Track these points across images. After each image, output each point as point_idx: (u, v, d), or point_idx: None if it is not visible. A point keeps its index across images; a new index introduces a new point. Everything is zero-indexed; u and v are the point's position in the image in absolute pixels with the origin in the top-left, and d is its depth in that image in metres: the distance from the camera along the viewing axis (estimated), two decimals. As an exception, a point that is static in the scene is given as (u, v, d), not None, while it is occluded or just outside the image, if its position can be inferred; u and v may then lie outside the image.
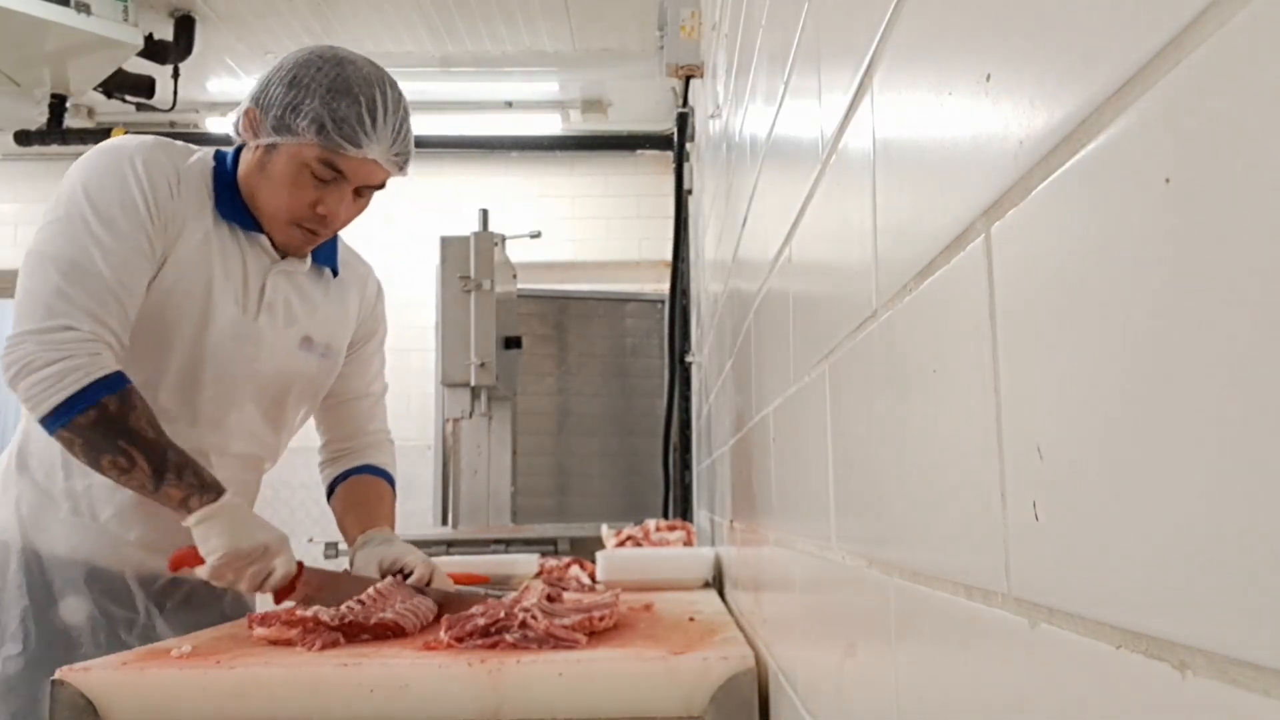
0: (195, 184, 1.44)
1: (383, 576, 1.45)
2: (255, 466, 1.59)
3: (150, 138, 1.44)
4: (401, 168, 1.46)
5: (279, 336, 1.51)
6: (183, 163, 1.44)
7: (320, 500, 1.76)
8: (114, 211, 1.34)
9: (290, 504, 5.16)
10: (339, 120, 1.36)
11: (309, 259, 1.55)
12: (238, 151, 1.49)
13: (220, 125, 5.08)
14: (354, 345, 1.68)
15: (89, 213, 1.34)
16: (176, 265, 1.40)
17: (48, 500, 1.43)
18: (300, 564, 1.40)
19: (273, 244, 1.49)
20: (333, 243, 1.60)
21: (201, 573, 1.34)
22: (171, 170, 1.41)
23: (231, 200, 1.46)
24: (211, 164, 1.47)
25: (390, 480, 1.72)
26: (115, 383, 1.30)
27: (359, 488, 1.68)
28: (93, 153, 1.40)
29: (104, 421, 1.29)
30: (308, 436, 1.75)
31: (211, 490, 1.34)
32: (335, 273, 1.61)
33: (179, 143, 1.48)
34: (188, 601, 1.51)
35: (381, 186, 1.48)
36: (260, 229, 1.47)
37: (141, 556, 1.45)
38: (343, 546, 1.65)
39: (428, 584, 1.45)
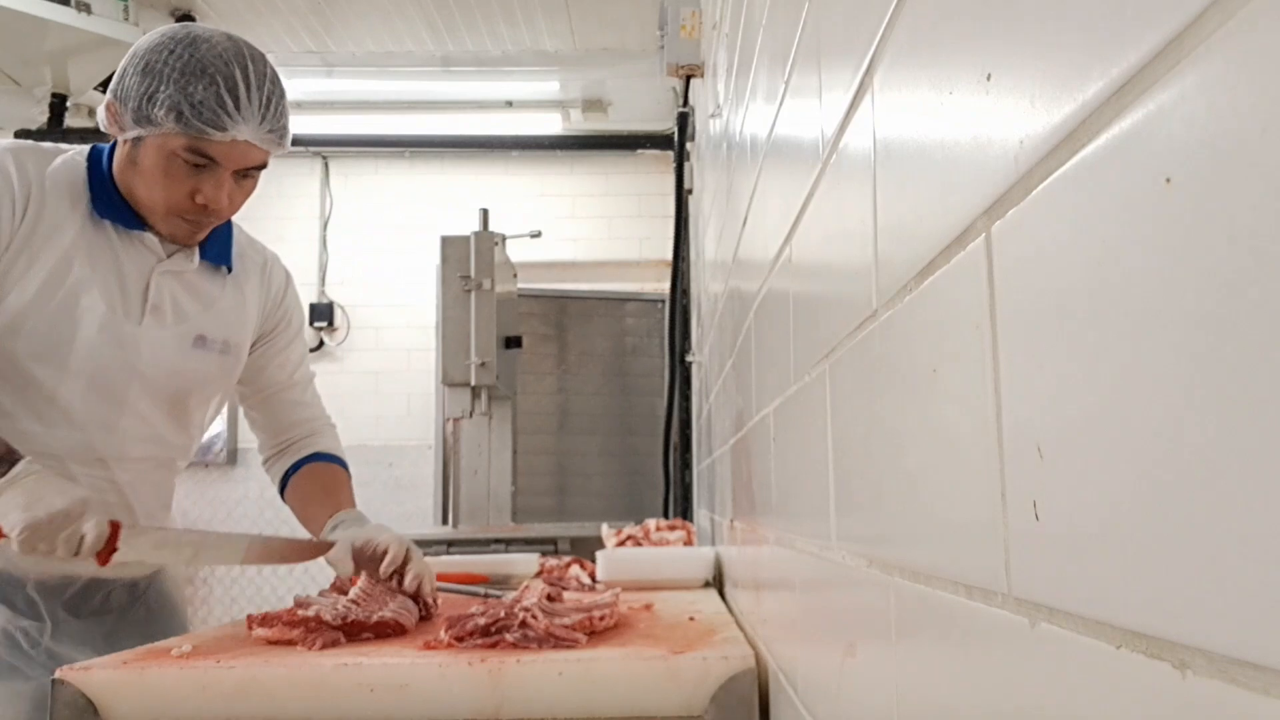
0: (59, 189, 1.38)
1: (358, 559, 1.43)
2: (165, 466, 1.55)
3: (6, 144, 1.37)
4: (280, 143, 1.39)
5: (167, 337, 1.45)
6: (43, 169, 1.37)
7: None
8: None
9: (290, 503, 5.15)
10: (197, 105, 1.29)
11: (197, 256, 1.48)
12: (114, 146, 1.41)
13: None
14: (265, 337, 1.62)
15: None
16: (34, 276, 1.34)
17: None
18: (115, 523, 1.32)
19: (161, 239, 1.43)
20: (227, 238, 1.54)
21: (12, 549, 1.26)
22: (21, 181, 1.34)
23: (109, 198, 1.40)
24: (84, 163, 1.41)
25: (343, 464, 1.69)
26: None
27: (314, 477, 1.65)
28: None
29: None
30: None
31: (3, 463, 1.26)
32: (230, 269, 1.55)
33: (45, 145, 1.42)
34: (105, 608, 1.47)
35: (263, 166, 1.41)
36: (144, 225, 1.42)
37: (38, 564, 1.40)
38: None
39: (404, 563, 1.42)
